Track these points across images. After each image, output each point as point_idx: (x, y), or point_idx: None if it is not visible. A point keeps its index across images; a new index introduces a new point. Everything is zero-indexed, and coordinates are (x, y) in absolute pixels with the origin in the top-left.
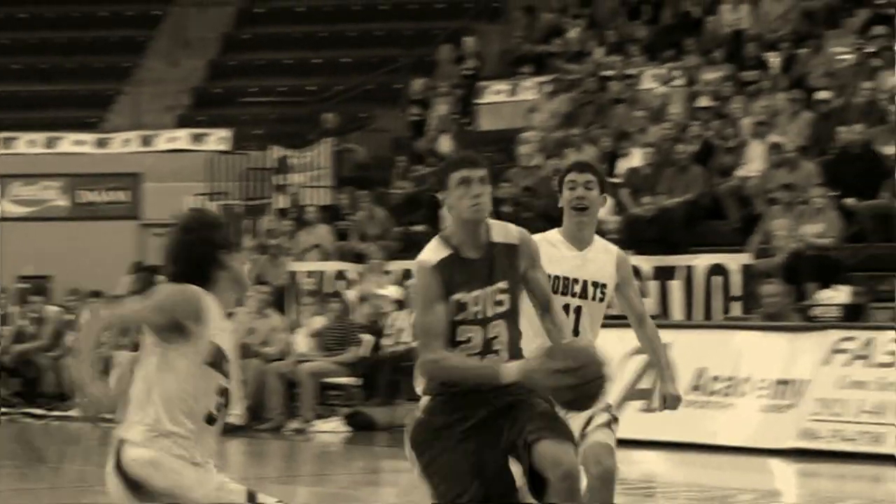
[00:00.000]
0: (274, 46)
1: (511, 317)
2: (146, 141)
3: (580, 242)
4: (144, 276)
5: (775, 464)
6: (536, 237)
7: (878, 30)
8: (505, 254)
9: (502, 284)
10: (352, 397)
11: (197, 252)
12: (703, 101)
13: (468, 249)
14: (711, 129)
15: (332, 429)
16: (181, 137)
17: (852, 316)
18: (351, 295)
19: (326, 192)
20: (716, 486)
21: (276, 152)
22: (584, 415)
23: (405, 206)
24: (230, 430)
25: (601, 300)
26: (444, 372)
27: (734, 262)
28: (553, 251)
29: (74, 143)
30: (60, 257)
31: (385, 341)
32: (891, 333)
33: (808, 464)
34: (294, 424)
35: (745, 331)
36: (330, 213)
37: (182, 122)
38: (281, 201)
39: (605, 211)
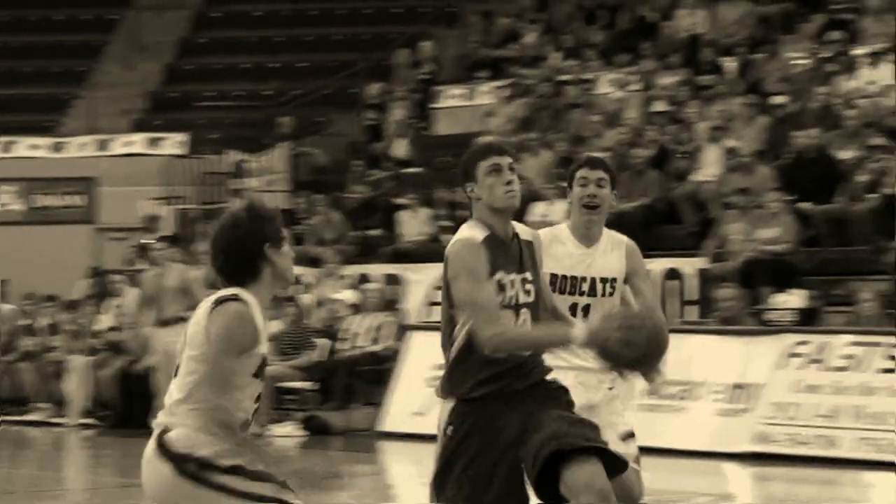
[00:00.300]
0: (230, 51)
1: (536, 308)
2: (102, 145)
3: (588, 240)
4: (100, 280)
5: (730, 468)
6: (544, 232)
7: (834, 35)
8: (527, 246)
9: (528, 275)
10: (307, 401)
11: (244, 247)
12: (659, 106)
13: (501, 235)
14: (667, 134)
15: (287, 433)
16: (137, 142)
17: (807, 320)
18: (307, 299)
19: (283, 196)
20: (671, 490)
21: (233, 156)
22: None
23: (361, 211)
24: None
25: (611, 295)
26: (512, 343)
27: (690, 266)
28: (561, 248)
29: (30, 148)
30: (16, 261)
31: (341, 345)
32: (845, 337)
33: (763, 468)
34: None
35: (700, 335)
36: (286, 218)
37: (138, 127)
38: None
39: (561, 215)
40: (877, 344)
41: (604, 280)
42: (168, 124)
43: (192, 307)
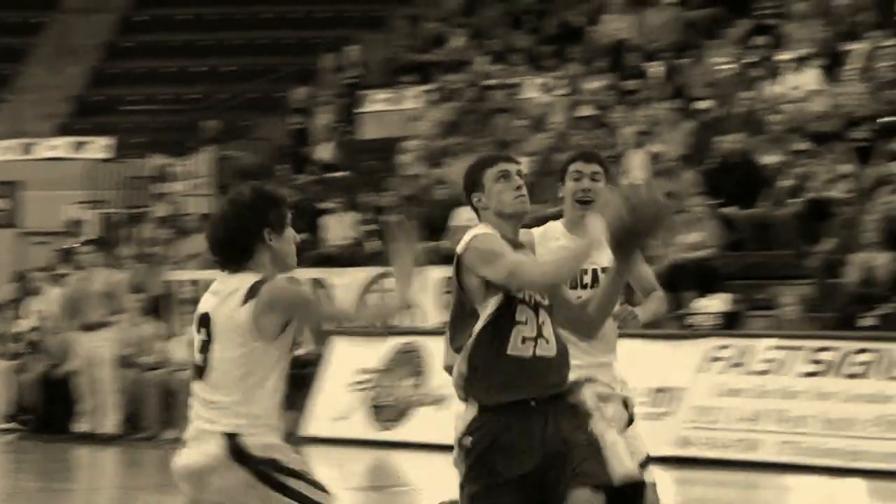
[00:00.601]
0: (156, 54)
1: (551, 311)
2: (26, 149)
3: (583, 235)
4: (23, 284)
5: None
6: (536, 232)
7: (759, 40)
8: (532, 250)
9: None
10: None
11: (243, 232)
12: (585, 111)
13: (512, 241)
14: (593, 138)
15: None
16: (62, 146)
17: (730, 324)
18: None
19: (207, 200)
20: None
21: (157, 160)
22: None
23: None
24: (105, 440)
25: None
26: (564, 267)
27: None
28: (555, 244)
29: None
30: None
31: None
32: (767, 341)
33: (685, 471)
34: (171, 433)
35: (622, 338)
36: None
37: (63, 130)
38: (161, 210)
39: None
40: (798, 348)
41: (605, 270)
42: (93, 128)
43: (116, 312)
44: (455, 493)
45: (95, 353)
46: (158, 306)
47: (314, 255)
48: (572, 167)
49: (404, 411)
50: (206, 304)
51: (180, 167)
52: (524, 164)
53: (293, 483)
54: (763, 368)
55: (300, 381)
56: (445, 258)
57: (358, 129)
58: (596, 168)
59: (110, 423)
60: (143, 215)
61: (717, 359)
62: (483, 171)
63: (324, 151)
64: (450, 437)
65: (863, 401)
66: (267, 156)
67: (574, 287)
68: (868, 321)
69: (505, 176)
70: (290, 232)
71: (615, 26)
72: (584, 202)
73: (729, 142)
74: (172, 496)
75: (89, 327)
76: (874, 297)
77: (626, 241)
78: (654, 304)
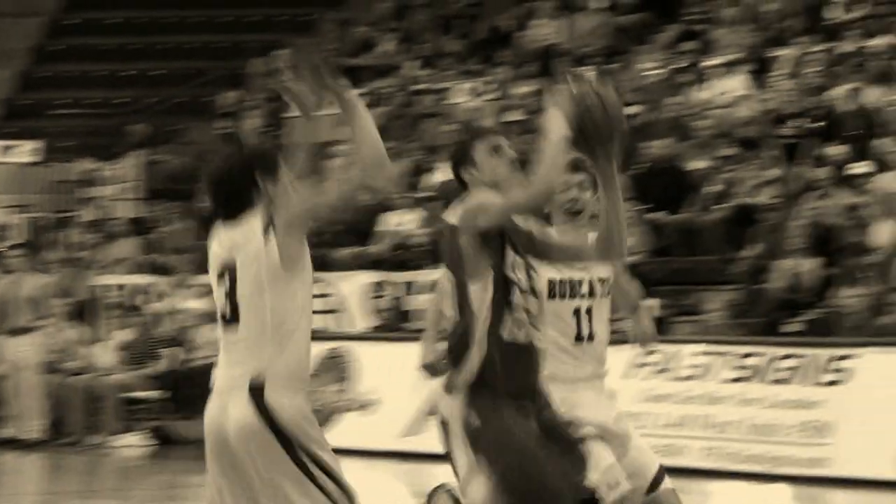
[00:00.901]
0: (85, 58)
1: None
2: None
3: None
4: None
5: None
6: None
7: (687, 45)
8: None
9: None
10: (155, 411)
11: (237, 178)
12: (514, 115)
13: None
14: (522, 143)
15: (134, 443)
16: None
17: (656, 329)
18: (156, 308)
19: (135, 204)
20: None
21: (85, 164)
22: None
23: (212, 220)
24: (29, 446)
25: (607, 295)
26: (545, 178)
27: None
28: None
29: None
30: None
31: (190, 355)
32: (693, 347)
33: None
34: (96, 438)
35: None
36: (138, 226)
37: None
38: (89, 214)
39: (414, 224)
40: (724, 354)
41: (601, 280)
42: (21, 132)
43: (42, 316)
44: (441, 479)
45: (21, 358)
46: (84, 311)
47: None
48: None
49: (330, 417)
50: (222, 254)
51: (109, 171)
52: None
53: (312, 467)
54: (689, 374)
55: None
56: (374, 263)
57: (286, 133)
58: (583, 177)
59: (35, 428)
60: (71, 219)
61: (642, 364)
62: (474, 146)
63: None
64: (375, 443)
65: (787, 407)
66: (195, 160)
67: (573, 296)
68: (793, 327)
69: (497, 149)
70: (286, 178)
71: (544, 31)
72: (573, 213)
73: (657, 147)
74: (97, 501)
75: (16, 332)
76: (800, 303)
77: (591, 134)
78: (645, 319)
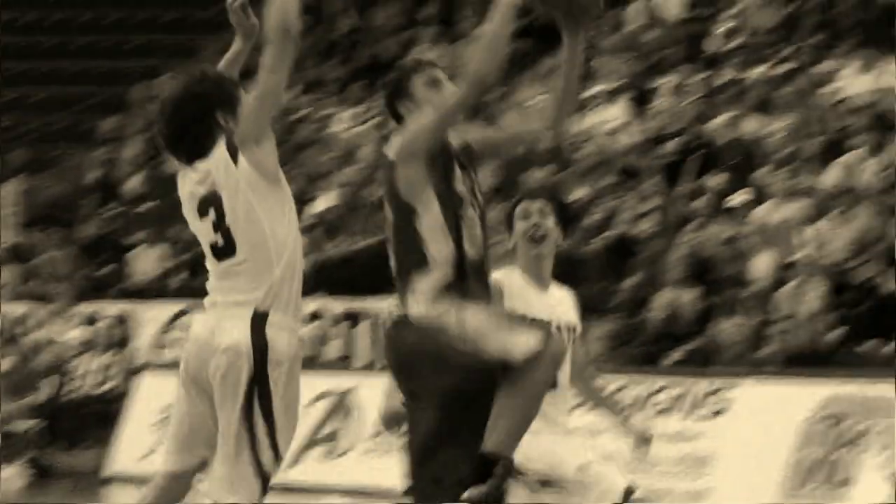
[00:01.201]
0: None
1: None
2: None
3: (542, 280)
4: None
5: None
6: (499, 275)
7: None
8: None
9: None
10: (33, 442)
11: (193, 114)
12: None
13: None
14: None
15: (12, 475)
16: None
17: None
18: (35, 337)
19: (13, 231)
20: None
21: None
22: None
23: (93, 247)
24: None
25: (573, 344)
26: (486, 52)
27: None
28: (521, 292)
29: None
30: None
31: (69, 385)
32: None
33: None
34: None
35: None
36: (16, 254)
37: None
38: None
39: None
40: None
41: (568, 328)
42: None
43: None
44: None
45: None
46: None
47: (120, 288)
48: (518, 208)
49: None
50: (199, 191)
51: None
52: (334, 196)
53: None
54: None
55: (106, 417)
56: None
57: (167, 160)
58: (543, 204)
59: None
60: None
61: None
62: (410, 79)
63: (132, 183)
64: None
65: (666, 439)
66: (74, 187)
67: None
68: (673, 358)
69: (435, 83)
70: (243, 110)
71: (426, 58)
72: (537, 239)
73: (537, 176)
74: None
75: None
76: (679, 334)
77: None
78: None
